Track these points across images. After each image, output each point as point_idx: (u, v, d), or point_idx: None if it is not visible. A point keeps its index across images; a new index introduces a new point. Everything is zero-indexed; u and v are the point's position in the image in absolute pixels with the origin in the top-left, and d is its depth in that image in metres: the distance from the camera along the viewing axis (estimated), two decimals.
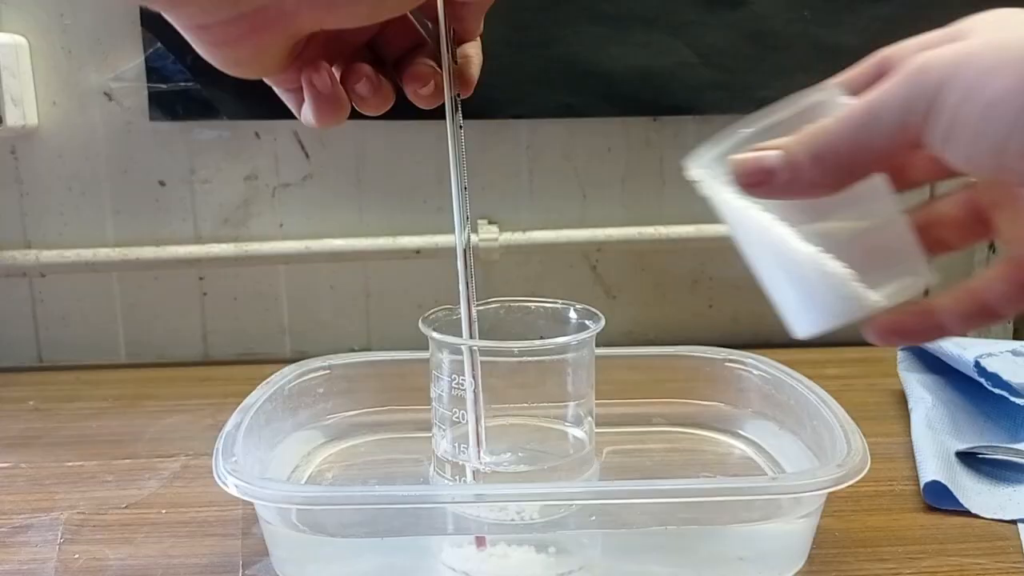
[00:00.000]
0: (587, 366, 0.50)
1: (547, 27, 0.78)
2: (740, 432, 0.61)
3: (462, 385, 0.47)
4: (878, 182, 0.34)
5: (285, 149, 0.83)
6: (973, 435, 0.60)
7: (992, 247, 0.79)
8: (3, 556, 0.49)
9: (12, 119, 0.77)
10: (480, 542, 0.46)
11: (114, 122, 0.81)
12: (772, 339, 0.88)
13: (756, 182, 0.33)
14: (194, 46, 0.38)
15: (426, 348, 0.50)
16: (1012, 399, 0.59)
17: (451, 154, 0.45)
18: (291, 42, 0.39)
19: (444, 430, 0.49)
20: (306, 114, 0.43)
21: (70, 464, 0.60)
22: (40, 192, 0.82)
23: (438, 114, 0.85)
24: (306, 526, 0.46)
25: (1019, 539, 0.49)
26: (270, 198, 0.84)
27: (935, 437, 0.59)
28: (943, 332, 0.36)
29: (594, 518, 0.47)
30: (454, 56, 0.44)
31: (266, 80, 0.42)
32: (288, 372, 0.58)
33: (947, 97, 0.30)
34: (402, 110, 0.90)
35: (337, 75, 0.42)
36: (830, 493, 0.44)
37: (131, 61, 0.80)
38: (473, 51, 0.45)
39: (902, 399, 0.67)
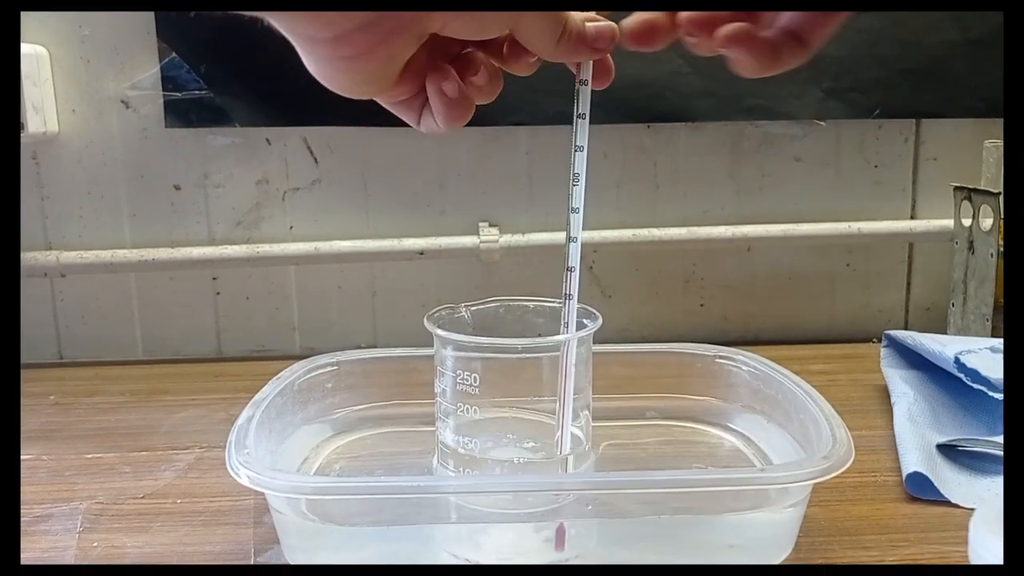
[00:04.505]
0: (584, 362, 0.50)
1: None
2: (730, 425, 0.61)
3: (466, 380, 0.47)
4: None
5: (295, 155, 0.83)
6: (953, 428, 0.60)
7: (978, 244, 0.79)
8: (25, 544, 0.49)
9: (33, 126, 0.77)
10: (559, 541, 0.45)
11: (131, 129, 0.81)
12: (760, 336, 0.88)
13: None
14: (313, 65, 0.36)
15: (430, 345, 0.50)
16: (990, 394, 0.59)
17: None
18: (415, 47, 0.37)
19: (447, 423, 0.49)
20: (428, 122, 0.42)
21: (89, 456, 0.60)
22: (60, 196, 0.82)
23: None
24: (315, 515, 0.46)
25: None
26: (280, 201, 0.84)
27: (916, 430, 0.59)
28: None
29: (590, 507, 0.47)
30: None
31: (379, 99, 0.41)
32: (298, 368, 0.58)
33: None
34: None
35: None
36: (816, 484, 0.44)
37: (147, 71, 0.80)
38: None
39: (885, 394, 0.67)
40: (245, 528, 0.50)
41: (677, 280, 0.88)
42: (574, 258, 0.47)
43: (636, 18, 0.40)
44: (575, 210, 0.46)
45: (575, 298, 0.47)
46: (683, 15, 0.40)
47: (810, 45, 0.40)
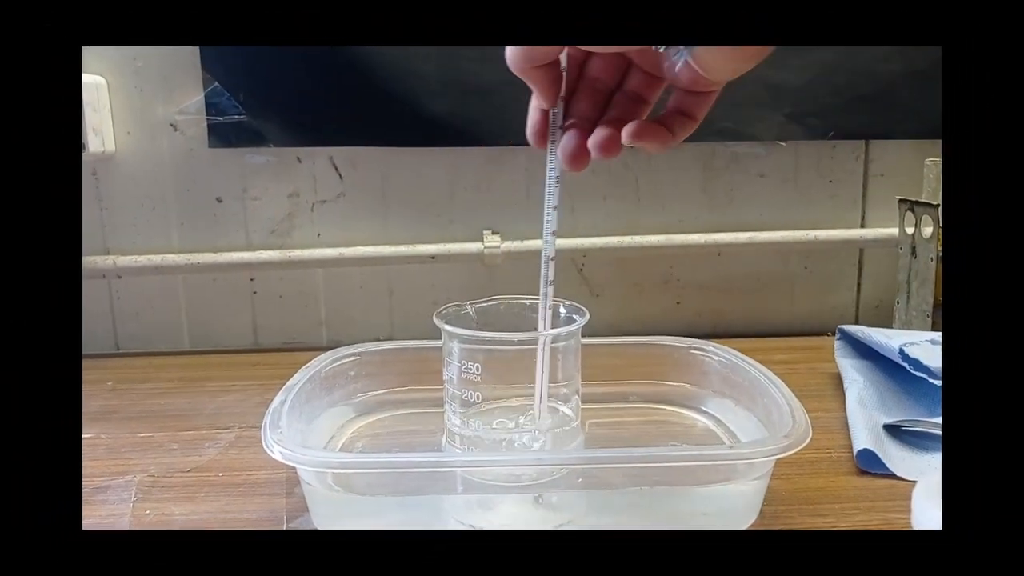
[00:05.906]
0: (574, 353, 0.50)
1: None
2: (703, 408, 0.61)
3: (470, 369, 0.47)
4: None
5: (322, 171, 0.83)
6: (898, 411, 0.60)
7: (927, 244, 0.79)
8: (86, 512, 0.49)
9: (93, 146, 0.77)
10: None
11: (178, 149, 0.81)
12: (730, 331, 0.88)
13: None
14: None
15: (440, 338, 0.50)
16: (931, 381, 0.59)
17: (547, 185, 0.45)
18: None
19: (454, 406, 0.49)
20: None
21: (142, 435, 0.60)
22: (117, 208, 0.82)
23: (450, 140, 0.85)
24: (339, 487, 0.46)
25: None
26: (310, 212, 0.84)
27: (866, 412, 0.59)
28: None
29: (580, 480, 0.47)
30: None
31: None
32: (324, 358, 0.58)
33: None
34: (422, 138, 0.90)
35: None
36: (778, 459, 0.44)
37: (193, 97, 0.80)
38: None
39: (838, 380, 0.67)
40: (278, 498, 0.50)
41: (657, 281, 0.88)
42: (551, 249, 0.47)
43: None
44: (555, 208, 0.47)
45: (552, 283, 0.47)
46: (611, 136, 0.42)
47: (697, 119, 0.41)
